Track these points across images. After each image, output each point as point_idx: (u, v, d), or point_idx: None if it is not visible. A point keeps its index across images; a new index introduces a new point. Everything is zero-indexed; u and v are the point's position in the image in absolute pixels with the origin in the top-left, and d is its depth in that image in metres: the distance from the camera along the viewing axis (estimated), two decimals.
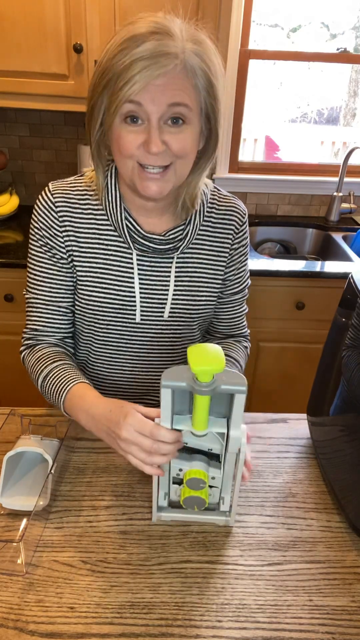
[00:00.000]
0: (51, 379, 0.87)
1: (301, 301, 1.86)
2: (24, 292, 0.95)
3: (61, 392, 0.84)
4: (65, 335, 0.98)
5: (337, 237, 2.20)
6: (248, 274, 1.01)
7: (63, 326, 0.96)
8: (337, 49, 2.28)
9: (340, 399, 0.85)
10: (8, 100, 1.78)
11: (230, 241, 0.94)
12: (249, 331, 1.08)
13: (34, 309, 0.94)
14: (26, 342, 0.97)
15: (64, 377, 0.85)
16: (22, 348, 0.98)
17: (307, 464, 0.94)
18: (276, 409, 1.16)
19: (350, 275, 0.84)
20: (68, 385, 0.84)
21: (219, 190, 0.95)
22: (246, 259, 0.99)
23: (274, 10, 2.40)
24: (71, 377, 0.85)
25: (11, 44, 1.67)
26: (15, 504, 0.80)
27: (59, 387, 0.85)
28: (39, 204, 0.88)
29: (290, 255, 2.30)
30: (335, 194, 2.26)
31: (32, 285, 0.93)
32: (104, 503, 0.83)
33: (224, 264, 0.95)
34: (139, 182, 0.77)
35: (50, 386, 0.86)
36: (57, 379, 0.86)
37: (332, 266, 1.87)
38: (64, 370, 0.87)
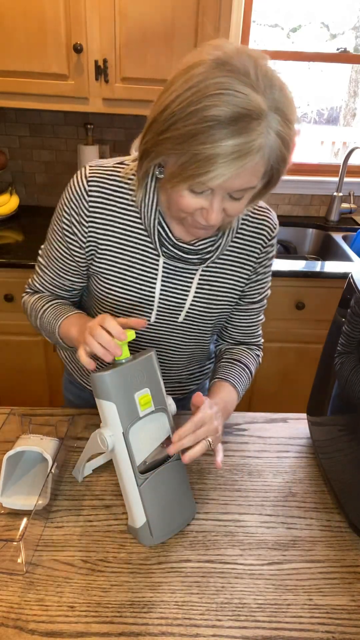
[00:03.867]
0: (52, 309, 0.93)
1: (301, 301, 1.86)
2: (40, 249, 0.97)
3: (60, 317, 0.90)
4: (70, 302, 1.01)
5: (337, 237, 2.20)
6: (269, 284, 0.99)
7: (64, 294, 0.98)
8: (337, 49, 2.28)
9: (340, 399, 0.85)
10: (8, 100, 1.78)
11: (256, 254, 0.92)
12: (262, 340, 1.07)
13: (40, 274, 0.97)
14: (27, 291, 1.02)
15: (65, 309, 0.93)
16: (23, 294, 1.02)
17: (307, 464, 0.94)
18: (276, 409, 1.16)
19: (350, 275, 0.84)
20: (68, 313, 0.91)
21: None
22: (270, 271, 0.97)
23: (274, 10, 2.39)
24: (71, 310, 0.93)
25: (11, 44, 1.67)
26: (16, 503, 0.80)
27: (58, 315, 0.91)
28: (73, 185, 0.86)
29: (290, 255, 2.30)
30: (335, 194, 2.26)
31: (45, 251, 0.95)
32: (104, 502, 0.83)
33: (247, 276, 0.94)
34: (186, 227, 0.79)
35: (50, 314, 0.92)
36: (58, 310, 0.93)
37: (332, 266, 1.87)
38: (64, 304, 0.95)
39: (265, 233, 0.91)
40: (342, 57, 2.21)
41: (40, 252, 0.97)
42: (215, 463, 0.78)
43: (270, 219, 0.92)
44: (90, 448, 0.79)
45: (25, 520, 0.79)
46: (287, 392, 2.00)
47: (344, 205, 2.29)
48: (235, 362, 0.98)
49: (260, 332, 1.06)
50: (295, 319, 1.90)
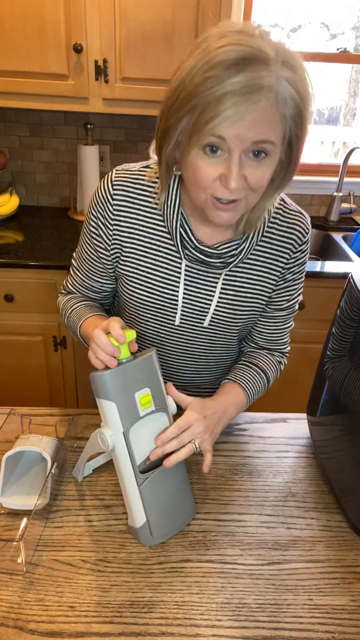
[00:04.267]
0: (78, 309, 0.96)
1: (301, 301, 1.86)
2: (74, 253, 1.00)
3: (82, 317, 0.93)
4: (101, 303, 1.04)
5: (337, 237, 2.20)
6: (300, 291, 0.97)
7: (95, 296, 1.01)
8: (337, 49, 2.28)
9: (339, 400, 0.85)
10: (8, 100, 1.78)
11: (285, 260, 0.89)
12: (289, 348, 1.04)
13: (73, 276, 1.01)
14: (62, 292, 1.05)
15: (88, 310, 0.95)
16: (59, 295, 1.06)
17: (307, 464, 0.94)
18: (276, 409, 1.16)
19: (350, 275, 0.84)
20: (90, 314, 0.93)
21: (285, 203, 0.89)
22: (301, 278, 0.94)
23: (274, 10, 2.39)
24: (94, 311, 0.95)
25: (11, 44, 1.67)
26: (16, 503, 0.80)
27: (81, 316, 0.94)
28: (99, 189, 0.88)
29: None
30: (335, 194, 2.26)
31: (77, 255, 0.98)
32: (104, 502, 0.83)
33: (274, 282, 0.91)
34: (209, 212, 0.76)
35: (75, 315, 0.95)
36: (83, 311, 0.95)
37: (332, 266, 1.87)
38: (90, 306, 0.98)
39: (295, 237, 0.88)
40: (342, 57, 2.21)
41: (74, 254, 0.99)
42: (202, 467, 0.78)
43: (302, 222, 0.88)
44: (90, 448, 0.79)
45: (25, 520, 0.79)
46: (287, 392, 2.00)
47: (344, 205, 2.29)
48: (251, 365, 0.97)
49: (286, 339, 1.02)
50: (295, 319, 1.90)
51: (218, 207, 0.73)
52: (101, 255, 0.92)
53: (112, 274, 0.95)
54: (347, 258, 2.02)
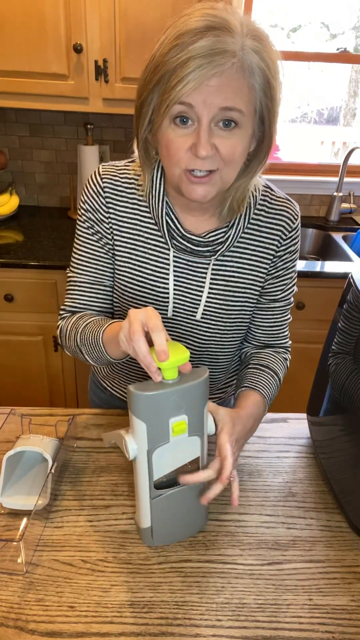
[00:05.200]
0: (97, 320, 0.87)
1: (301, 301, 1.86)
2: (67, 271, 0.96)
3: (105, 323, 0.83)
4: (105, 313, 0.98)
5: (337, 237, 2.20)
6: (294, 281, 0.95)
7: (103, 306, 0.96)
8: (337, 49, 2.28)
9: (339, 399, 0.85)
10: (8, 100, 1.78)
11: (275, 247, 0.89)
12: (290, 342, 1.03)
13: (76, 289, 0.94)
14: (63, 316, 0.96)
15: (104, 321, 0.85)
16: (59, 322, 0.96)
17: (307, 464, 0.94)
18: (276, 409, 1.16)
19: (350, 275, 0.84)
20: (108, 323, 0.83)
21: (271, 190, 0.88)
22: (293, 267, 0.93)
23: (274, 10, 2.40)
24: (110, 321, 0.84)
25: (11, 44, 1.67)
26: (16, 503, 0.80)
27: (103, 322, 0.84)
28: (88, 186, 0.88)
29: None
30: (335, 194, 2.26)
31: (75, 265, 0.93)
32: (104, 502, 0.83)
33: (265, 270, 0.90)
34: (184, 187, 0.75)
35: (95, 324, 0.85)
36: (103, 320, 0.85)
37: (332, 266, 1.87)
38: (104, 319, 0.88)
39: (283, 224, 0.88)
40: (342, 57, 2.21)
41: (69, 273, 0.95)
42: (232, 501, 0.74)
43: (289, 209, 0.88)
44: (114, 439, 0.76)
45: (25, 520, 0.79)
46: (287, 392, 2.00)
47: (344, 205, 2.29)
48: (263, 368, 0.95)
49: (286, 332, 1.02)
50: (295, 319, 1.88)
51: (193, 181, 0.74)
52: (107, 250, 0.90)
53: (114, 269, 0.93)
54: (347, 258, 2.03)
